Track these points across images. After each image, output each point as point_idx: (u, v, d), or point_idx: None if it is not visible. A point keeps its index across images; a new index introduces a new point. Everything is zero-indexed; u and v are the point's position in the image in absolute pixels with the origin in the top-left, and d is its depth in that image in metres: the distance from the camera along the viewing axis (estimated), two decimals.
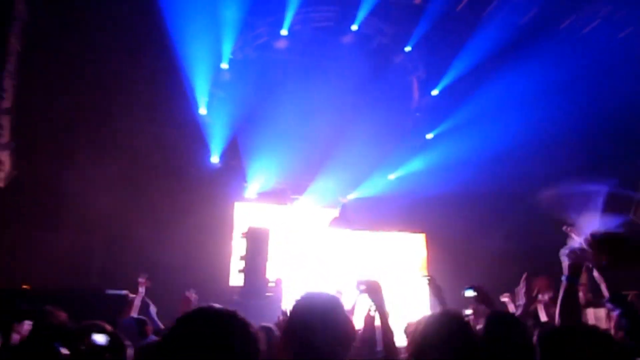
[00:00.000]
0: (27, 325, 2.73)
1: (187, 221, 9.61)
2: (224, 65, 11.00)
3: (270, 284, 7.90)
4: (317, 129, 10.60)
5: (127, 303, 5.29)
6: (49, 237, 9.03)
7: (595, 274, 3.03)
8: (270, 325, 4.09)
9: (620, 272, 2.72)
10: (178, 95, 10.21)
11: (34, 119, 8.97)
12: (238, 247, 8.35)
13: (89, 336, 2.42)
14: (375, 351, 3.54)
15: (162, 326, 5.05)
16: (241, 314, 1.51)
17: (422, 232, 11.34)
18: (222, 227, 10.34)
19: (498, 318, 2.80)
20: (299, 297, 1.97)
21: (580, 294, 4.15)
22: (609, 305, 2.96)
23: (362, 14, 11.27)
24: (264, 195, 11.24)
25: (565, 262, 2.65)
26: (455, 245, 10.51)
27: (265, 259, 7.80)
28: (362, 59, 11.33)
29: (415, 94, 12.53)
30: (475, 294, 3.85)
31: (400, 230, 11.24)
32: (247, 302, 7.42)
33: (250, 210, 10.86)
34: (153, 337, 4.08)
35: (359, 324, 4.46)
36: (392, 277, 9.93)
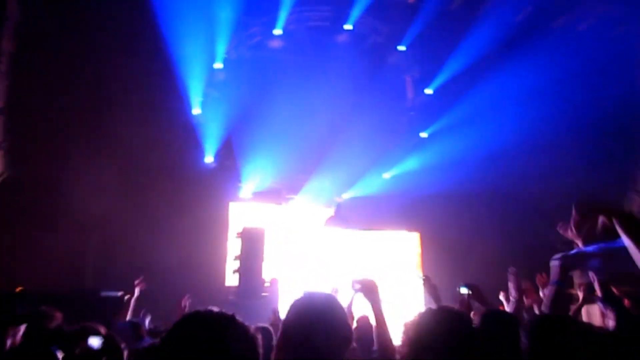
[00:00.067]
0: (21, 329, 2.72)
1: (182, 221, 9.59)
2: (218, 65, 10.98)
3: (265, 284, 7.89)
4: (312, 128, 10.58)
5: (122, 305, 5.28)
6: (43, 237, 8.97)
7: (591, 273, 3.07)
8: (267, 325, 4.09)
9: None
10: (172, 95, 10.18)
11: (28, 120, 8.92)
12: (233, 248, 8.34)
13: (84, 339, 2.41)
14: (371, 350, 3.55)
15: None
16: (239, 316, 1.51)
17: (416, 231, 11.37)
18: (217, 227, 10.32)
19: (492, 316, 2.81)
20: (297, 297, 1.96)
21: (581, 294, 4.21)
22: (601, 304, 3.00)
23: (356, 13, 11.28)
24: (259, 195, 11.22)
25: (554, 269, 2.79)
26: (450, 244, 10.53)
27: (261, 259, 7.78)
28: (356, 58, 11.35)
29: (410, 92, 12.55)
30: (469, 291, 3.87)
31: (395, 229, 11.26)
32: (243, 302, 7.41)
33: (245, 210, 10.84)
34: (148, 340, 4.07)
35: (354, 323, 4.47)
36: (388, 276, 9.95)
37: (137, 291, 5.36)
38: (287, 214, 11.17)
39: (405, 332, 2.19)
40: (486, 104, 10.50)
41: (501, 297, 5.21)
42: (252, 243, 7.81)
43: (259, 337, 1.52)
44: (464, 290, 3.90)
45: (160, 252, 9.07)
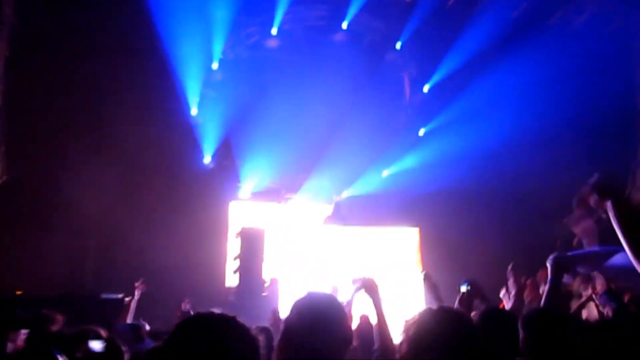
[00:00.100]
0: (22, 334, 2.72)
1: (182, 222, 9.60)
2: (215, 66, 10.97)
3: (265, 284, 7.89)
4: (310, 127, 10.59)
5: (123, 307, 5.28)
6: (42, 239, 8.97)
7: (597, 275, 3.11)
8: (268, 326, 4.10)
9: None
10: (169, 96, 10.18)
11: (27, 121, 8.92)
12: (233, 248, 8.34)
13: (86, 342, 2.42)
14: (372, 349, 3.55)
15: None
16: (240, 318, 1.51)
17: (416, 228, 11.36)
18: (216, 227, 10.33)
19: (492, 315, 2.82)
20: (298, 298, 1.96)
21: (584, 292, 4.26)
22: (601, 298, 3.02)
23: (352, 12, 11.27)
24: (258, 195, 11.23)
25: (550, 268, 2.87)
26: (449, 242, 10.54)
27: (261, 259, 7.80)
28: (353, 57, 11.34)
29: (407, 90, 12.55)
30: (468, 287, 3.87)
31: (394, 226, 11.27)
32: (243, 302, 7.41)
33: (244, 209, 10.84)
34: (149, 342, 4.08)
35: (355, 321, 4.48)
36: (387, 275, 9.95)
37: (137, 293, 5.36)
38: (286, 213, 11.18)
39: (405, 332, 2.20)
40: (484, 101, 10.51)
41: (502, 294, 5.22)
42: (251, 243, 7.83)
43: (260, 338, 1.52)
44: (464, 288, 3.90)
45: (160, 253, 9.07)
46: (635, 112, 9.24)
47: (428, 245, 11.03)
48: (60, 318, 3.47)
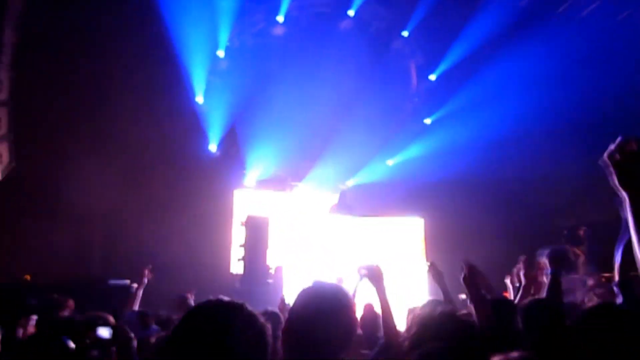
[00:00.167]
0: (33, 320, 2.76)
1: (187, 210, 9.64)
2: (221, 53, 10.94)
3: (270, 271, 7.94)
4: (316, 115, 10.57)
5: (130, 294, 5.31)
6: (49, 229, 9.03)
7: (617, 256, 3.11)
8: (276, 310, 4.11)
9: None
10: (175, 84, 10.17)
11: (33, 112, 8.94)
12: (238, 235, 8.38)
13: (94, 330, 2.45)
14: (377, 337, 3.58)
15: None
16: (247, 305, 1.52)
17: (421, 217, 11.38)
18: (221, 215, 10.37)
19: (498, 306, 2.85)
20: (304, 287, 1.97)
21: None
22: (616, 288, 3.00)
23: None
24: (264, 183, 11.25)
25: (545, 261, 2.96)
26: (454, 232, 10.54)
27: (265, 247, 7.84)
28: (359, 45, 11.28)
29: (413, 79, 12.49)
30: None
31: (399, 216, 11.28)
32: (248, 289, 7.46)
33: (249, 197, 10.88)
34: (155, 328, 4.12)
35: (359, 310, 4.51)
36: (392, 263, 9.99)
37: (145, 280, 5.39)
38: (292, 201, 11.21)
39: (408, 330, 2.23)
40: (490, 90, 10.44)
41: (507, 281, 5.24)
42: (256, 231, 7.86)
43: (269, 326, 1.53)
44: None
45: (165, 241, 9.13)
46: None
47: (433, 235, 11.05)
48: (71, 303, 3.51)
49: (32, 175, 8.89)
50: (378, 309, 3.17)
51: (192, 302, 5.46)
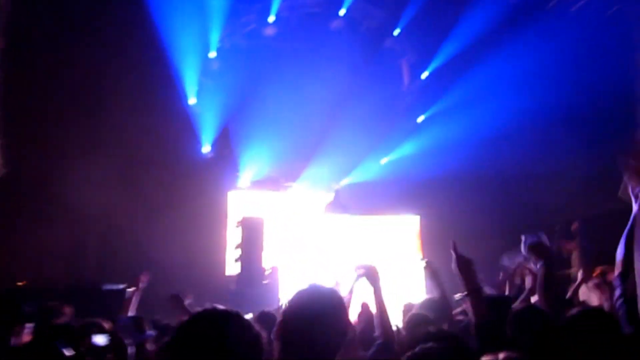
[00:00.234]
0: (27, 328, 2.73)
1: (181, 212, 9.60)
2: (213, 54, 10.92)
3: (266, 272, 7.94)
4: (308, 115, 10.56)
5: (125, 299, 5.25)
6: (42, 232, 8.99)
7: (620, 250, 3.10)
8: (272, 311, 4.09)
9: None
10: (167, 85, 10.14)
11: (24, 113, 8.88)
12: (233, 237, 8.37)
13: (89, 337, 2.44)
14: (373, 337, 3.58)
15: None
16: (241, 306, 1.54)
17: (416, 215, 11.39)
18: (216, 217, 10.34)
19: (495, 304, 2.86)
20: (301, 287, 1.98)
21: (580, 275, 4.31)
22: (616, 281, 3.00)
23: None
24: (257, 184, 11.24)
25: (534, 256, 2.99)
26: (450, 229, 10.56)
27: (261, 248, 7.84)
28: (351, 44, 11.29)
29: (405, 77, 12.51)
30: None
31: (394, 214, 11.30)
32: (244, 290, 7.46)
33: (244, 199, 10.85)
34: (151, 333, 4.09)
35: (356, 309, 4.51)
36: (388, 262, 10.00)
37: (141, 285, 5.32)
38: (286, 201, 11.20)
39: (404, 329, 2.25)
40: (482, 88, 10.47)
41: (501, 277, 5.26)
42: (251, 232, 7.87)
43: (263, 334, 1.54)
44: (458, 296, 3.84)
45: (160, 243, 9.11)
46: (633, 98, 9.21)
47: (428, 233, 11.06)
48: (68, 310, 3.47)
49: (24, 178, 8.84)
50: (374, 309, 3.18)
51: (186, 302, 5.44)
